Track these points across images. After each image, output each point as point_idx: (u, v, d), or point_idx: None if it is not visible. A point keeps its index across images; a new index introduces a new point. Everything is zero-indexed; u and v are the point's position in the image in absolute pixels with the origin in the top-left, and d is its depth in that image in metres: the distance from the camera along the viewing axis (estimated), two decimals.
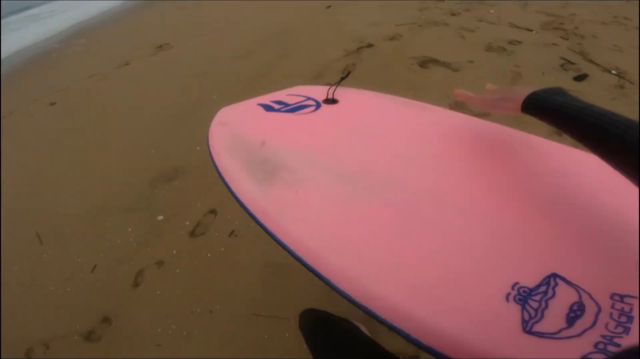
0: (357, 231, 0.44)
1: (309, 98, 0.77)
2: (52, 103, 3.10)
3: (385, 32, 3.21)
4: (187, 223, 1.92)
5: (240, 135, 0.66)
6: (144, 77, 3.26)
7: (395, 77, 2.71)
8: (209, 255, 1.79)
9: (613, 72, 2.63)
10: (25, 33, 5.57)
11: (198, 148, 2.30)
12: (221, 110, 0.79)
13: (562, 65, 2.73)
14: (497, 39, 3.13)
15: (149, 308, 1.68)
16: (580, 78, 2.57)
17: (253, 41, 3.51)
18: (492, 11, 3.63)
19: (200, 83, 2.94)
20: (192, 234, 1.87)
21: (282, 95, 0.81)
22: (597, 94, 2.37)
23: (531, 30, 3.28)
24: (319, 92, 0.79)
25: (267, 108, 0.75)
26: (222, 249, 1.80)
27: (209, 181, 2.08)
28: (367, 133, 0.62)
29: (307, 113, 0.71)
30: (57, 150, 2.64)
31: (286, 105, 0.76)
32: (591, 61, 2.78)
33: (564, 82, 2.54)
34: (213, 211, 1.94)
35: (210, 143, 0.68)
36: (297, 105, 0.75)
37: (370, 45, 3.03)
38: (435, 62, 2.87)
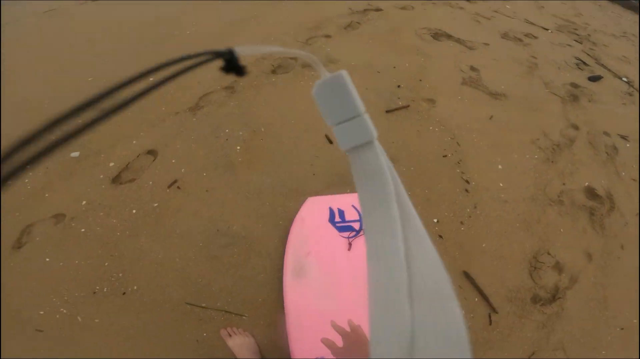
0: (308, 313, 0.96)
1: (359, 220, 1.12)
2: None
3: (394, 2, 2.85)
4: (112, 164, 1.34)
5: (304, 238, 1.09)
6: (113, 9, 2.67)
7: (404, 42, 2.33)
8: (134, 211, 1.23)
9: (624, 79, 2.68)
10: None
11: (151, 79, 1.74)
12: (308, 200, 1.19)
13: (577, 64, 2.70)
14: (513, 30, 2.97)
15: (31, 279, 1.13)
16: (594, 79, 2.54)
17: None
18: (508, 6, 3.43)
19: (182, 10, 2.40)
20: (116, 180, 1.30)
21: (350, 202, 1.16)
22: (610, 98, 2.36)
23: (547, 29, 3.20)
24: None
25: (331, 216, 1.13)
26: (155, 205, 1.24)
27: (156, 115, 1.52)
28: (352, 274, 1.02)
29: (347, 237, 1.09)
30: None
31: (342, 220, 1.12)
32: (603, 66, 2.79)
33: (579, 79, 2.47)
34: (152, 152, 1.37)
35: (290, 232, 1.12)
36: (348, 224, 1.11)
37: (378, 10, 2.63)
38: (449, 36, 2.54)
